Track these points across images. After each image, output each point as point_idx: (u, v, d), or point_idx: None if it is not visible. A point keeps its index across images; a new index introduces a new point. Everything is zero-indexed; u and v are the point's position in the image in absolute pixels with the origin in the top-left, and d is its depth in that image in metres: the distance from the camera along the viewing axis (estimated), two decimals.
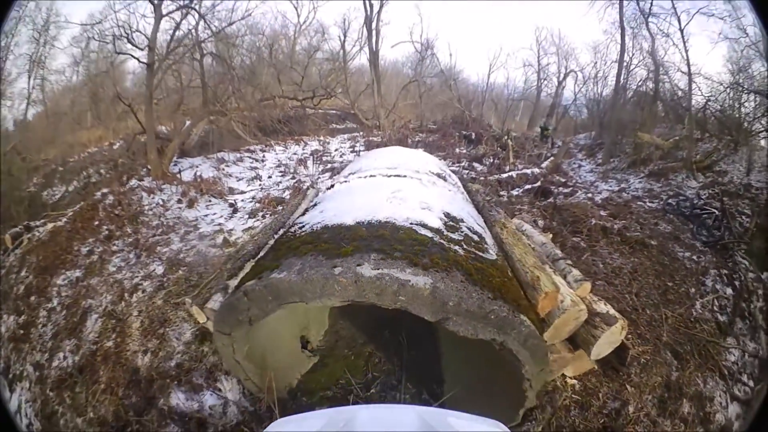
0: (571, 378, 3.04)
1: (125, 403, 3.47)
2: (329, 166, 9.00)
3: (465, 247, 2.49)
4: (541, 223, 5.73)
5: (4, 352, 4.59)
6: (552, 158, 10.04)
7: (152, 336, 4.05)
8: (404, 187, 3.12)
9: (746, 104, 9.82)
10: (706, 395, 3.76)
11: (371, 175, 3.46)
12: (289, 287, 2.19)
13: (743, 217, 7.00)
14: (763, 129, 9.05)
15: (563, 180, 8.55)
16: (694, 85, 10.83)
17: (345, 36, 14.97)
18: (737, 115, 10.03)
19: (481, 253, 2.53)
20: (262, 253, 3.00)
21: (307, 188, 5.11)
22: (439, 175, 3.90)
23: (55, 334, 4.59)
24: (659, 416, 3.30)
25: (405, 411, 2.23)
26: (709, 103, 10.72)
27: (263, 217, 6.40)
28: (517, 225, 4.00)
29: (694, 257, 5.83)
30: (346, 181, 3.50)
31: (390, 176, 3.43)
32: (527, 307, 2.40)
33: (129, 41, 8.25)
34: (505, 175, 8.01)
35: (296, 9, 15.31)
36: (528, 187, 7.54)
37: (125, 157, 9.33)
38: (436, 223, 2.62)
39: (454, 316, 2.08)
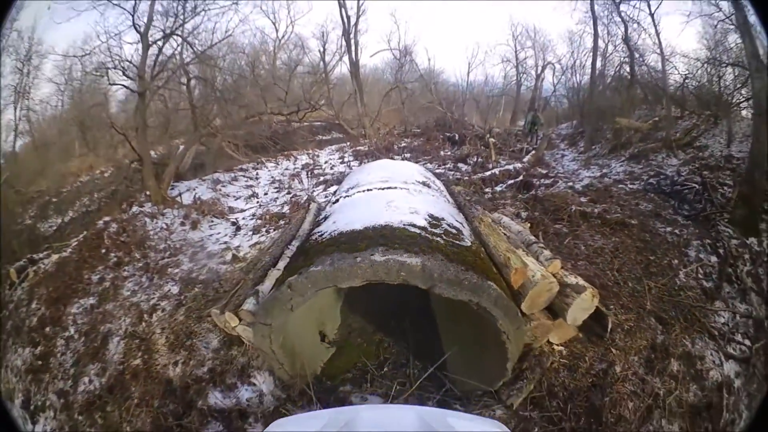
0: (557, 345, 3.51)
1: (163, 411, 3.70)
2: (322, 179, 9.44)
3: (444, 238, 3.26)
4: (524, 214, 6.19)
5: (22, 385, 4.67)
6: (534, 152, 10.55)
7: (180, 348, 4.32)
8: (396, 198, 3.93)
9: (725, 77, 10.09)
10: (696, 354, 4.02)
11: (368, 189, 4.24)
12: (324, 275, 2.89)
13: (725, 188, 7.23)
14: (743, 99, 9.28)
15: (545, 172, 9.06)
16: (671, 65, 11.31)
17: (324, 48, 15.33)
18: (716, 90, 10.32)
19: (457, 242, 3.32)
20: (283, 262, 3.62)
21: (308, 204, 5.76)
22: (423, 183, 4.71)
23: (76, 361, 4.73)
24: (647, 374, 3.62)
25: (405, 411, 2.41)
26: (686, 81, 11.14)
27: (267, 232, 6.81)
28: (496, 218, 4.72)
29: (676, 231, 6.13)
30: (348, 196, 4.25)
31: (384, 189, 4.21)
32: (497, 278, 3.13)
33: (124, 73, 8.59)
34: (488, 173, 8.49)
35: (274, 24, 15.50)
36: (511, 182, 8.05)
37: (121, 185, 9.62)
38: (422, 223, 3.38)
39: (438, 283, 2.82)
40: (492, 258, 3.45)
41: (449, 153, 11.08)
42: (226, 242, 6.75)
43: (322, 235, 3.48)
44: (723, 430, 3.49)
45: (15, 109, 11.61)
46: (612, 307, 4.17)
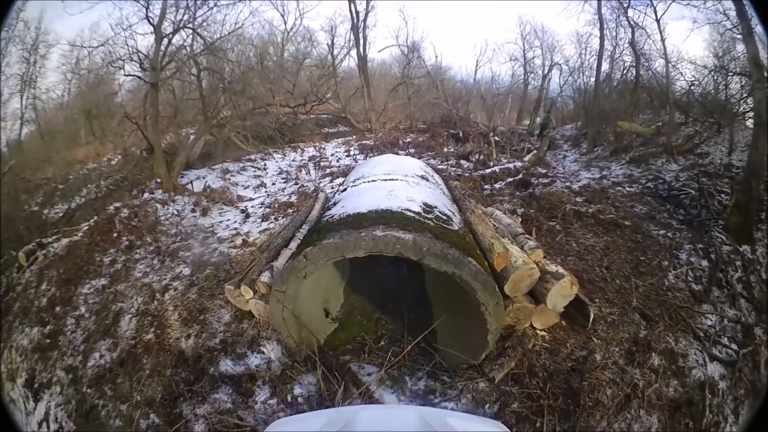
0: (541, 330, 3.85)
1: (175, 378, 3.99)
2: (328, 171, 9.85)
3: (435, 221, 3.83)
4: (520, 210, 6.55)
5: (27, 364, 4.86)
6: (535, 151, 10.93)
7: (193, 323, 4.61)
8: (396, 188, 4.42)
9: (731, 86, 10.21)
10: (679, 352, 4.19)
11: (372, 180, 4.76)
12: (335, 246, 3.41)
13: (722, 195, 7.39)
14: (748, 109, 9.31)
15: (544, 171, 9.40)
16: (677, 71, 11.58)
17: (333, 42, 15.70)
18: (721, 98, 10.45)
19: (446, 225, 3.86)
20: (295, 243, 4.20)
21: (317, 193, 6.41)
22: (422, 177, 5.22)
23: (86, 338, 4.95)
24: (627, 365, 3.85)
25: (405, 411, 2.54)
26: (692, 87, 11.29)
27: (276, 219, 7.19)
28: (489, 212, 5.20)
29: (669, 234, 6.35)
30: (355, 186, 4.75)
31: (386, 180, 4.71)
32: (479, 258, 3.62)
33: (141, 65, 8.89)
34: (488, 171, 8.89)
35: (283, 16, 15.84)
36: (510, 180, 8.41)
37: (131, 172, 9.96)
38: (417, 209, 3.95)
39: (427, 256, 3.32)
40: (479, 243, 3.97)
41: (452, 150, 11.40)
42: (236, 228, 7.10)
43: (332, 217, 3.96)
44: (706, 430, 3.65)
45: (21, 98, 11.98)
46: (597, 300, 4.47)
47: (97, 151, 12.30)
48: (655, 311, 4.63)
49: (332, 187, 8.09)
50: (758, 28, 7.57)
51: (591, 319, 3.83)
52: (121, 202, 8.24)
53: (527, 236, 4.35)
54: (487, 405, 3.27)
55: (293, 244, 4.45)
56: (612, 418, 3.38)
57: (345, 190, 4.74)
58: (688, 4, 10.54)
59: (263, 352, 3.93)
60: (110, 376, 4.31)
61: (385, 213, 3.71)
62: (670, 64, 11.55)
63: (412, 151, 11.23)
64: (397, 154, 10.31)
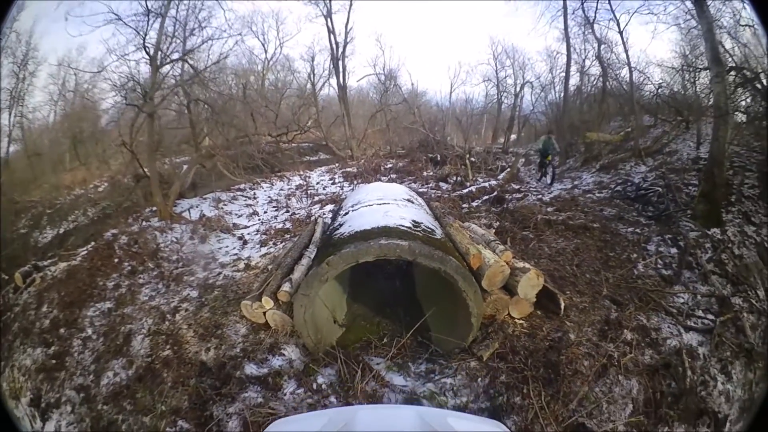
0: (518, 319, 4.61)
1: (202, 386, 4.28)
2: (317, 198, 10.65)
3: (422, 232, 4.74)
4: (496, 224, 7.41)
5: (32, 384, 5.05)
6: (509, 170, 11.89)
7: (211, 337, 4.95)
8: (389, 210, 5.30)
9: (699, 81, 11.10)
10: (651, 327, 4.76)
11: (369, 205, 5.68)
12: (351, 254, 4.30)
13: (690, 188, 8.13)
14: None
15: (517, 187, 10.41)
16: (644, 76, 12.70)
17: (313, 72, 16.68)
18: (690, 94, 11.42)
19: (431, 235, 4.78)
20: (305, 260, 5.12)
21: (315, 219, 7.33)
22: (408, 200, 6.19)
23: (96, 359, 5.17)
24: (601, 341, 4.43)
25: (405, 411, 2.68)
26: (660, 89, 12.40)
27: (274, 244, 7.79)
28: (466, 225, 6.23)
29: (638, 230, 7.09)
30: (355, 210, 5.67)
31: (380, 204, 5.64)
32: (458, 258, 4.54)
33: (144, 96, 9.40)
34: (465, 191, 9.90)
35: (263, 45, 16.67)
36: (485, 197, 9.38)
37: (123, 198, 10.39)
38: (408, 224, 4.80)
39: (419, 256, 4.22)
40: (457, 249, 4.96)
41: (431, 173, 12.34)
42: (236, 254, 7.64)
43: (343, 234, 4.86)
44: (691, 388, 4.07)
45: (9, 114, 12.03)
46: (568, 292, 5.21)
47: (84, 176, 12.55)
48: (625, 296, 5.27)
49: (323, 214, 8.83)
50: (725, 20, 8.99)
51: (562, 307, 4.63)
52: (118, 228, 8.63)
53: (498, 242, 5.37)
54: (479, 378, 3.97)
55: (304, 261, 5.27)
56: (592, 384, 3.95)
57: (347, 213, 5.67)
58: (649, 13, 11.74)
59: (284, 355, 4.51)
60: (128, 392, 4.54)
61: (385, 228, 4.64)
62: (637, 71, 12.61)
63: (393, 176, 12.15)
64: (380, 180, 11.27)
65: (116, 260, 7.34)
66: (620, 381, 4.01)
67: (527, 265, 4.71)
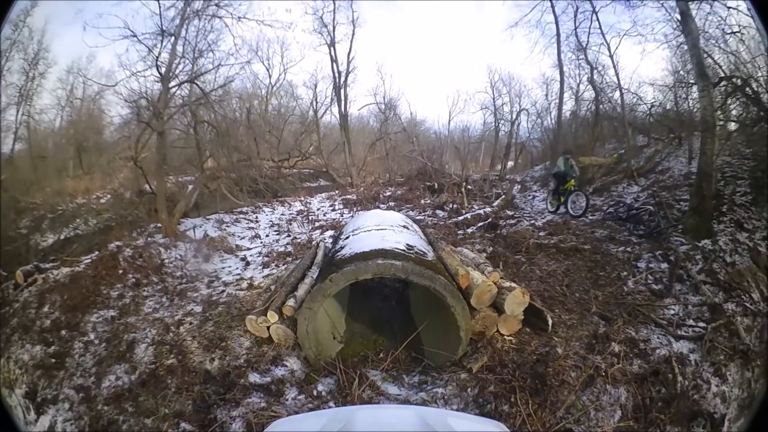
0: (507, 336, 4.99)
1: (206, 391, 4.48)
2: (317, 224, 11.14)
3: (415, 254, 5.21)
4: (489, 249, 7.86)
5: (27, 378, 5.14)
6: (503, 196, 12.35)
7: (215, 348, 5.19)
8: (386, 235, 5.82)
9: (690, 97, 11.49)
10: (639, 339, 4.96)
11: (368, 230, 6.22)
12: (352, 272, 4.78)
13: (682, 203, 8.45)
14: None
15: (511, 213, 10.89)
16: (636, 96, 13.27)
17: (316, 100, 17.43)
18: (682, 110, 11.85)
19: (422, 257, 5.25)
20: (308, 279, 5.70)
21: (317, 243, 7.91)
22: (404, 226, 6.70)
23: (98, 362, 5.29)
24: (588, 354, 4.67)
25: (405, 411, 2.69)
26: (652, 108, 12.82)
27: (276, 266, 8.15)
28: (458, 250, 6.76)
29: (628, 249, 7.36)
30: (355, 234, 6.21)
31: (378, 230, 6.17)
32: (447, 277, 4.98)
33: (156, 115, 9.74)
34: (461, 218, 10.42)
35: (268, 70, 17.38)
36: (480, 224, 9.86)
37: (129, 211, 10.70)
38: (402, 247, 5.29)
39: (411, 275, 4.70)
40: (448, 270, 5.45)
41: (429, 201, 12.87)
42: (239, 274, 7.98)
43: (344, 255, 5.35)
44: (683, 393, 4.21)
45: (17, 111, 12.47)
46: (557, 311, 5.58)
47: (87, 186, 12.84)
48: (614, 312, 5.54)
49: (324, 239, 9.27)
50: (710, 31, 9.30)
51: (550, 324, 5.03)
52: (122, 241, 8.82)
53: (487, 264, 5.90)
54: (469, 389, 4.32)
55: (307, 280, 5.79)
56: (579, 393, 4.18)
57: (348, 237, 6.23)
58: (638, 35, 12.34)
59: (286, 365, 4.87)
60: (130, 395, 4.67)
61: (382, 251, 5.12)
62: (630, 92, 13.20)
63: (392, 204, 12.66)
64: (379, 207, 11.78)
65: (121, 271, 7.52)
66: (608, 389, 4.25)
67: (513, 285, 5.14)
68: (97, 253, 8.33)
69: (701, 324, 5.14)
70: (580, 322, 5.38)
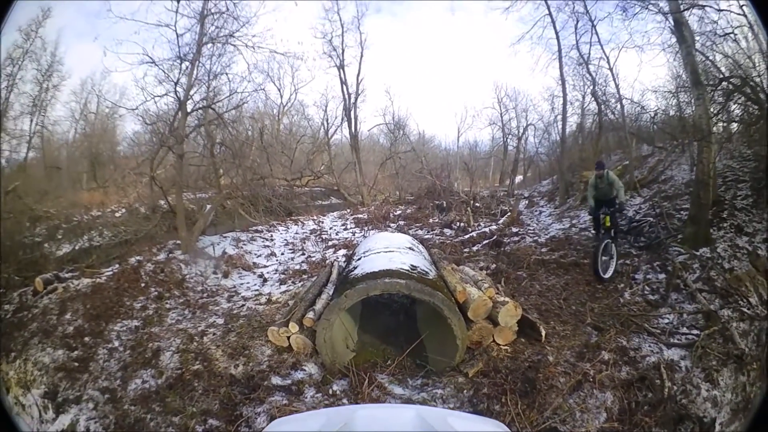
0: (503, 346, 5.67)
1: (233, 392, 5.01)
2: (330, 243, 11.94)
3: (417, 274, 6.04)
4: (493, 266, 8.53)
5: (47, 379, 5.49)
6: (509, 213, 12.90)
7: (239, 356, 5.77)
8: (393, 256, 6.69)
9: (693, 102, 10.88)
10: (630, 347, 5.26)
11: (377, 252, 7.10)
12: (363, 289, 5.60)
13: (682, 212, 8.67)
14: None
15: (516, 230, 11.50)
16: (640, 105, 13.60)
17: (327, 120, 18.39)
18: (687, 116, 11.58)
19: (424, 276, 6.07)
20: (325, 296, 6.54)
21: (332, 263, 8.67)
22: (410, 248, 7.59)
23: (123, 367, 5.70)
24: (578, 362, 5.05)
25: (404, 411, 2.73)
26: (656, 117, 13.18)
27: (293, 283, 8.85)
28: (460, 268, 7.53)
29: (627, 261, 7.69)
30: (366, 256, 7.09)
31: (386, 252, 7.05)
32: (446, 294, 5.78)
33: (177, 139, 10.47)
34: (467, 236, 11.15)
35: (279, 90, 18.37)
36: (485, 242, 10.57)
37: (150, 227, 11.38)
38: (407, 268, 6.16)
39: (414, 291, 5.50)
40: (447, 286, 6.24)
41: (437, 220, 13.62)
42: (257, 290, 8.68)
43: (357, 275, 6.23)
44: (670, 397, 4.40)
45: (31, 121, 13.20)
46: (552, 322, 6.21)
47: (101, 199, 13.48)
48: (608, 323, 5.92)
49: (338, 258, 10.09)
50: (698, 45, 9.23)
51: (543, 334, 5.72)
52: (142, 255, 9.55)
53: (484, 281, 6.65)
54: (465, 390, 5.00)
55: (324, 296, 6.61)
56: (566, 396, 4.57)
57: (360, 258, 7.12)
58: (635, 46, 12.65)
59: (305, 370, 5.62)
60: (157, 396, 5.06)
61: (389, 271, 6.02)
62: (632, 102, 13.58)
63: (401, 223, 13.46)
64: (389, 226, 12.77)
65: (143, 284, 8.11)
66: (594, 394, 4.64)
67: (507, 299, 5.93)
68: (117, 265, 9.06)
69: (695, 331, 5.47)
70: (573, 332, 5.94)
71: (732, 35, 9.60)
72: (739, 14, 9.14)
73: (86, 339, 6.33)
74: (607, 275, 7.57)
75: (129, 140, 14.47)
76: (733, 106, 10.23)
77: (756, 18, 8.11)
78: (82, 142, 15.07)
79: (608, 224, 7.84)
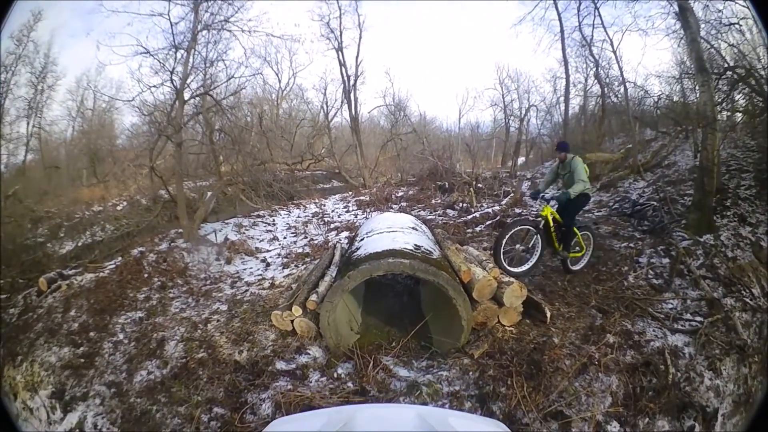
0: (508, 327, 5.67)
1: (237, 378, 5.02)
2: (332, 226, 11.88)
3: (421, 254, 5.91)
4: None
5: (54, 379, 5.48)
6: (512, 194, 12.81)
7: (243, 342, 5.76)
8: (396, 236, 6.58)
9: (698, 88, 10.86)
10: (635, 331, 5.24)
11: (380, 233, 6.98)
12: (366, 270, 5.46)
13: (686, 198, 8.74)
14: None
15: (519, 211, 11.38)
16: (644, 89, 13.53)
17: (326, 103, 18.21)
18: (691, 102, 11.70)
19: (428, 256, 5.94)
20: (328, 278, 6.46)
21: (334, 245, 8.74)
22: (413, 228, 7.45)
23: (129, 359, 5.71)
24: (583, 344, 5.05)
25: (405, 410, 2.76)
26: (659, 101, 13.12)
27: (295, 266, 8.83)
28: (463, 248, 7.50)
29: (631, 245, 7.65)
30: (369, 236, 7.00)
31: (389, 232, 6.94)
32: (451, 273, 5.66)
33: (175, 128, 10.41)
34: (470, 217, 11.07)
35: (277, 75, 18.16)
36: (488, 222, 10.51)
37: (151, 218, 11.40)
38: (411, 248, 6.02)
39: (418, 271, 5.41)
40: (452, 266, 6.15)
41: (439, 201, 13.53)
42: (260, 275, 8.64)
43: (360, 255, 6.16)
44: (674, 384, 4.41)
45: (27, 124, 13.27)
46: (557, 304, 6.17)
47: (102, 194, 13.52)
48: (612, 306, 5.88)
49: (340, 240, 10.03)
50: (703, 32, 9.22)
51: (548, 316, 5.67)
52: (145, 246, 9.62)
53: (489, 261, 6.59)
54: (470, 372, 4.98)
55: (327, 278, 6.53)
56: (572, 379, 4.58)
57: (362, 239, 7.04)
58: (639, 29, 12.67)
59: (309, 354, 5.59)
60: (163, 387, 5.08)
61: (393, 251, 5.89)
62: (636, 85, 13.50)
63: (404, 204, 13.35)
64: (391, 208, 12.66)
65: (146, 275, 8.15)
66: (600, 377, 4.65)
67: (512, 279, 5.87)
68: (120, 258, 9.11)
69: (698, 318, 5.44)
70: (578, 314, 5.92)
71: (737, 26, 9.59)
72: (743, 6, 9.11)
73: (91, 334, 6.35)
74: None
75: (127, 132, 14.53)
76: (738, 96, 10.18)
77: (756, 16, 8.14)
78: (80, 139, 15.10)
79: (550, 222, 6.84)
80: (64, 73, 14.04)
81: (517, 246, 6.78)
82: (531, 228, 6.74)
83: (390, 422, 2.15)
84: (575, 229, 7.04)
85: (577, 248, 7.23)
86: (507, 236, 6.59)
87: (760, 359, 4.68)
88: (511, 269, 6.58)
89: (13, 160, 13.24)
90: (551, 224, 6.81)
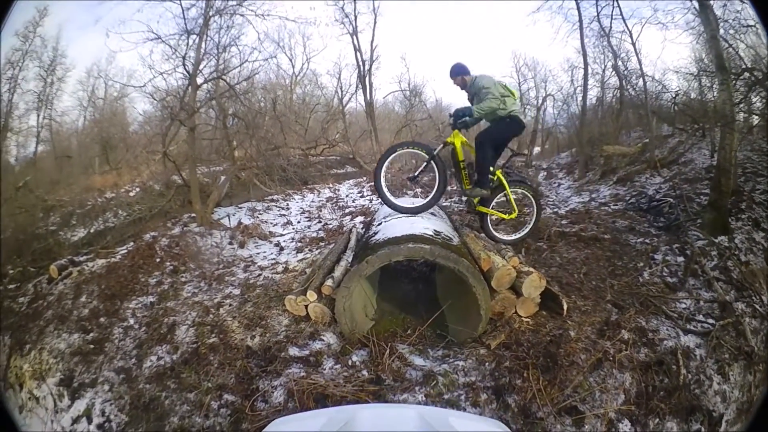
0: (524, 318, 5.55)
1: (249, 364, 4.94)
2: (347, 210, 11.80)
3: (441, 240, 5.74)
4: None
5: (63, 366, 5.46)
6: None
7: (256, 327, 5.66)
8: (415, 221, 6.43)
9: (715, 87, 10.61)
10: (649, 329, 5.13)
11: (398, 217, 6.81)
12: (386, 254, 5.32)
13: (702, 197, 8.52)
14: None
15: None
16: (657, 84, 13.30)
17: (341, 88, 18.08)
18: (708, 101, 11.54)
19: (448, 242, 5.79)
20: (344, 262, 6.37)
21: (350, 229, 8.59)
22: (432, 213, 7.28)
23: (138, 345, 5.66)
24: (599, 339, 4.95)
25: (405, 410, 2.79)
26: (677, 97, 12.77)
27: (309, 251, 8.76)
28: (482, 236, 7.20)
29: (647, 240, 7.48)
30: (386, 221, 6.88)
31: (408, 216, 6.76)
32: (471, 261, 5.55)
33: (188, 113, 10.35)
34: None
35: (291, 60, 18.10)
36: None
37: (164, 203, 11.36)
38: (431, 233, 5.84)
39: (438, 257, 5.26)
40: (471, 254, 6.02)
41: (455, 188, 13.31)
42: (274, 259, 8.56)
43: (378, 240, 6.06)
44: (685, 385, 4.37)
45: (38, 116, 13.43)
46: (573, 296, 6.05)
47: (114, 181, 13.60)
48: (627, 301, 5.77)
49: (355, 225, 9.87)
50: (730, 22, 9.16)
51: (565, 308, 5.52)
52: (157, 231, 9.58)
53: (507, 250, 6.46)
54: (487, 363, 4.90)
55: (342, 263, 6.43)
56: (587, 374, 4.53)
57: (380, 224, 6.93)
58: (658, 23, 12.35)
59: (323, 340, 5.52)
60: (173, 373, 5.02)
61: (412, 236, 5.75)
62: (654, 80, 13.20)
63: (419, 190, 13.10)
64: (406, 194, 12.43)
65: (158, 260, 8.07)
66: (614, 374, 4.58)
67: (531, 270, 5.68)
68: (132, 243, 9.08)
69: (710, 320, 5.32)
70: (594, 308, 5.78)
71: (755, 27, 9.32)
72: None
73: (101, 320, 6.31)
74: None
75: (140, 119, 14.49)
76: (755, 99, 9.75)
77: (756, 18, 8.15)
78: (92, 128, 15.12)
79: (459, 153, 5.91)
80: (74, 65, 14.13)
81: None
82: (421, 152, 5.86)
83: (390, 422, 2.16)
84: (502, 177, 6.18)
85: (507, 209, 6.29)
86: (388, 159, 5.83)
87: (764, 368, 4.64)
88: (396, 202, 6.16)
89: (23, 152, 13.48)
90: (460, 156, 5.94)
